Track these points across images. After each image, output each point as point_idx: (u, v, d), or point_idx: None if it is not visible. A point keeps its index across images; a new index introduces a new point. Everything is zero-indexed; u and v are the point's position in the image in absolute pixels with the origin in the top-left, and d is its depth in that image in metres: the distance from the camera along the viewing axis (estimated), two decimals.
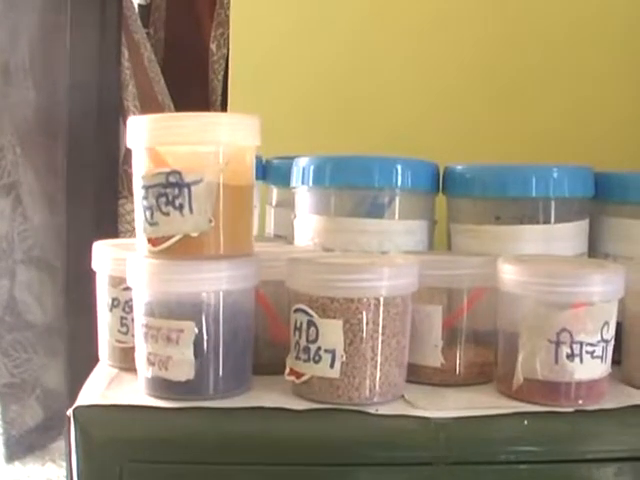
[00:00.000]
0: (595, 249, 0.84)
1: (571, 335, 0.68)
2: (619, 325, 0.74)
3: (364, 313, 0.67)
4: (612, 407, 0.70)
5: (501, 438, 0.67)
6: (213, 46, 1.38)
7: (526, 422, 0.67)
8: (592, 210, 0.84)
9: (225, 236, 0.69)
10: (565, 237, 0.81)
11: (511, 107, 1.20)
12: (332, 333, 0.67)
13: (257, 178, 1.00)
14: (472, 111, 1.20)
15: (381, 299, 0.67)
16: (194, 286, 0.68)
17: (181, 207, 0.67)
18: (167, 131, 0.68)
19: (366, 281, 0.67)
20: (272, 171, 1.00)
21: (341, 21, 1.22)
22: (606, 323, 0.69)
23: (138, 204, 0.70)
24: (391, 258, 0.75)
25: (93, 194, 1.19)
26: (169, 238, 0.68)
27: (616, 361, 0.74)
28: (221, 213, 0.68)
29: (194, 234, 0.67)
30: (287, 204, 0.89)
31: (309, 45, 1.21)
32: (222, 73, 1.39)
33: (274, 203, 1.01)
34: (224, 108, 1.27)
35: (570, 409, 0.69)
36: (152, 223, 0.68)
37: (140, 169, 0.69)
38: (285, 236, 0.91)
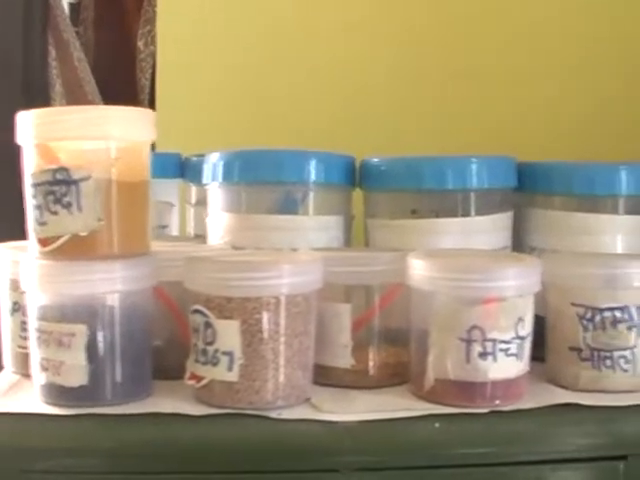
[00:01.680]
0: (521, 242, 0.81)
1: (483, 332, 0.65)
2: (543, 320, 0.72)
3: (263, 313, 0.64)
4: (531, 407, 0.67)
5: (411, 442, 0.64)
6: (140, 44, 1.35)
7: (437, 424, 0.64)
8: (518, 202, 0.81)
9: (118, 235, 0.66)
10: (485, 230, 0.77)
11: (433, 98, 1.18)
12: (229, 334, 0.64)
13: (176, 176, 0.99)
14: (394, 104, 1.18)
15: (281, 298, 0.64)
16: (86, 288, 0.65)
17: (69, 205, 0.64)
18: (54, 126, 0.65)
19: (263, 279, 0.64)
20: (190, 169, 0.98)
21: (266, 18, 1.20)
22: (521, 319, 0.66)
23: (28, 203, 0.67)
24: (294, 255, 0.72)
25: (18, 200, 1.15)
26: (58, 238, 0.65)
27: (541, 358, 0.72)
28: (113, 211, 0.65)
29: (84, 233, 0.64)
30: (206, 202, 0.86)
31: (236, 42, 1.19)
32: (150, 71, 1.37)
33: (193, 201, 0.99)
34: (152, 106, 1.24)
35: (485, 410, 0.66)
36: (41, 223, 0.66)
37: (29, 166, 0.67)
38: (204, 235, 0.88)
